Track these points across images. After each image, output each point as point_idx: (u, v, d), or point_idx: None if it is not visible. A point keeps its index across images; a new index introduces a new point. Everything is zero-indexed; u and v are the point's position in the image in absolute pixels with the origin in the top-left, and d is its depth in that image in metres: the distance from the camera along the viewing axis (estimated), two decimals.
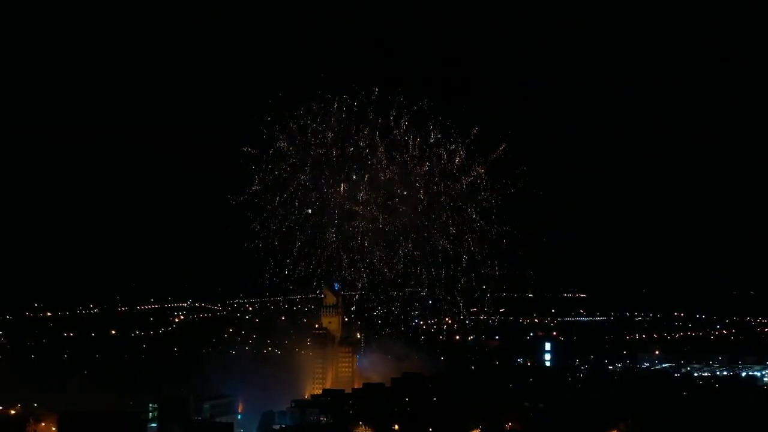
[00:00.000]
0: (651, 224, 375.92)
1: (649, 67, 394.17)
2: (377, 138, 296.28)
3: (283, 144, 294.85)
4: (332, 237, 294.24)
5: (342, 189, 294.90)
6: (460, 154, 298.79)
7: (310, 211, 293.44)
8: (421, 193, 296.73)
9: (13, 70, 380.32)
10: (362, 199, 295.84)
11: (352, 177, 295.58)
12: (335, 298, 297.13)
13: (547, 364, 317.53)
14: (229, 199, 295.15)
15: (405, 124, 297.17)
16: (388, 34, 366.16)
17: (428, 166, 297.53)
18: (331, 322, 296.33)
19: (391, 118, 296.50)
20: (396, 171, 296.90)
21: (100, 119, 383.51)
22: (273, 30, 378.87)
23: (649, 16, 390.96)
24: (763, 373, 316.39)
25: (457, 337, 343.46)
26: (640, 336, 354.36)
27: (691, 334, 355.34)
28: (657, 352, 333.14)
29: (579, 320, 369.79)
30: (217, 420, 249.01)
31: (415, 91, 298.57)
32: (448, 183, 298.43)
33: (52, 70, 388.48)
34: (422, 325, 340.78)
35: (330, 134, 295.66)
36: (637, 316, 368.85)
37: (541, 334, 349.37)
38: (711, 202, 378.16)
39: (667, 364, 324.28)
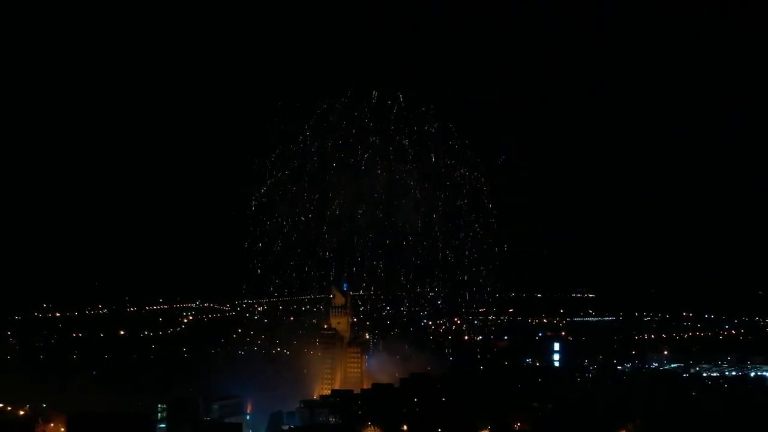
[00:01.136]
0: (659, 224, 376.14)
1: (650, 67, 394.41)
2: (377, 144, 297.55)
3: (283, 149, 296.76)
4: (334, 242, 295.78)
5: (342, 195, 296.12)
6: (461, 169, 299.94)
7: (306, 217, 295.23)
8: (420, 198, 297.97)
9: (14, 70, 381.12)
10: (363, 207, 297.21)
11: (352, 183, 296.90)
12: (344, 299, 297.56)
13: (556, 364, 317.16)
14: (234, 205, 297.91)
15: (405, 131, 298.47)
16: (387, 37, 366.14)
17: (424, 173, 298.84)
18: (339, 323, 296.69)
19: (391, 127, 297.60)
20: (395, 176, 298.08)
21: (108, 121, 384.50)
22: (272, 35, 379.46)
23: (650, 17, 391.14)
24: None
25: (466, 338, 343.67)
26: (649, 336, 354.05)
27: (700, 334, 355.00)
28: (666, 353, 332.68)
29: (588, 320, 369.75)
30: (226, 420, 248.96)
31: (415, 96, 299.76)
32: (449, 191, 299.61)
33: (52, 70, 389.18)
34: (431, 325, 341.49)
35: (329, 143, 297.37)
36: (646, 316, 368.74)
37: (549, 334, 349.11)
38: (719, 202, 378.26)
39: (675, 364, 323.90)
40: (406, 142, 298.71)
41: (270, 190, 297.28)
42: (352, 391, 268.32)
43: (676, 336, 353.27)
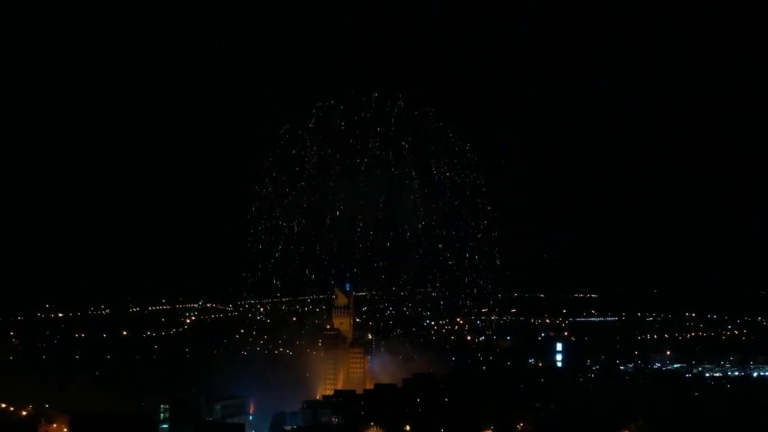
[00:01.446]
0: (661, 224, 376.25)
1: (651, 66, 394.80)
2: (377, 145, 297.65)
3: (283, 150, 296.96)
4: (334, 243, 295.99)
5: (342, 197, 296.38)
6: (461, 169, 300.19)
7: (307, 218, 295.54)
8: (420, 199, 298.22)
9: (14, 70, 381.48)
10: (363, 208, 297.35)
11: (352, 184, 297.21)
12: (347, 299, 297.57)
13: (559, 364, 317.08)
14: (235, 205, 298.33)
15: (405, 132, 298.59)
16: (387, 38, 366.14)
17: (424, 174, 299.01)
18: (342, 323, 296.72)
19: (391, 128, 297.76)
20: (395, 178, 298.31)
21: (109, 121, 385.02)
22: (272, 35, 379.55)
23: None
24: None
25: (468, 338, 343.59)
26: (652, 336, 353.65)
27: (703, 334, 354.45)
28: (668, 353, 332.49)
29: (590, 320, 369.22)
30: (229, 421, 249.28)
31: (415, 97, 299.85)
32: (449, 192, 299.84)
33: (52, 70, 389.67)
34: (433, 325, 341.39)
35: (329, 144, 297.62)
36: (649, 317, 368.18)
37: (552, 334, 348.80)
38: (722, 202, 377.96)
39: (678, 365, 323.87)
40: (404, 143, 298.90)
41: (270, 191, 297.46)
42: (354, 391, 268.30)
43: (678, 336, 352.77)
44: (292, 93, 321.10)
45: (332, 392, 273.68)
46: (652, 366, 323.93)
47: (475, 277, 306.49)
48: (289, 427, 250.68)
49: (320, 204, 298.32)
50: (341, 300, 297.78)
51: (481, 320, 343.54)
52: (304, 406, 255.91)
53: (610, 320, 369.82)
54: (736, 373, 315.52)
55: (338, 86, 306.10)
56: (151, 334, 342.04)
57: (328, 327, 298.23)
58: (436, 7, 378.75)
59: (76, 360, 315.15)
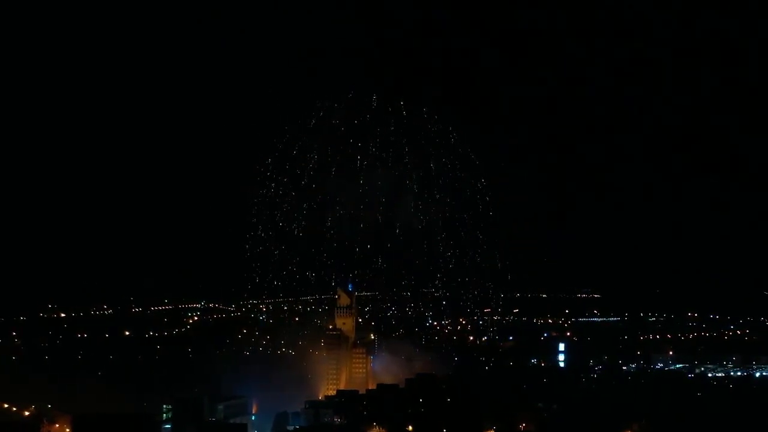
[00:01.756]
0: (665, 224, 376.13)
1: (652, 66, 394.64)
2: (377, 145, 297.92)
3: (284, 150, 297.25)
4: (334, 243, 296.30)
5: (343, 197, 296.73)
6: (461, 170, 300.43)
7: (308, 218, 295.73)
8: (420, 200, 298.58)
9: (14, 70, 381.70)
10: (363, 209, 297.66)
11: (353, 185, 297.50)
12: (349, 299, 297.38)
13: (561, 364, 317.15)
14: (236, 206, 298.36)
15: (405, 132, 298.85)
16: (388, 39, 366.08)
17: (425, 174, 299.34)
18: (344, 323, 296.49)
19: (392, 128, 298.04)
20: (396, 179, 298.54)
21: (109, 122, 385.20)
22: (272, 35, 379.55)
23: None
24: None
25: (471, 338, 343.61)
26: (654, 336, 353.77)
27: (705, 334, 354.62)
28: (671, 353, 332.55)
29: (593, 320, 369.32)
30: (231, 421, 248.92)
31: (415, 98, 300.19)
32: (450, 192, 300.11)
33: (52, 70, 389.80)
34: (435, 325, 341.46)
35: (330, 145, 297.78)
36: (651, 317, 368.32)
37: (554, 334, 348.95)
38: (722, 202, 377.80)
39: (680, 365, 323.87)
40: (405, 143, 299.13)
41: (271, 191, 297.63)
42: (357, 391, 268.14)
43: (681, 336, 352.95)
44: (292, 93, 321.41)
45: (335, 392, 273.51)
46: (654, 366, 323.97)
47: (477, 277, 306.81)
48: (291, 427, 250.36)
49: (321, 204, 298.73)
50: (344, 300, 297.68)
51: (484, 320, 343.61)
52: (307, 406, 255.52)
53: (612, 320, 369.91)
54: (739, 374, 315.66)
55: (338, 86, 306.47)
56: (153, 334, 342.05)
57: (330, 327, 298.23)
58: (436, 7, 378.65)
59: (78, 360, 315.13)
